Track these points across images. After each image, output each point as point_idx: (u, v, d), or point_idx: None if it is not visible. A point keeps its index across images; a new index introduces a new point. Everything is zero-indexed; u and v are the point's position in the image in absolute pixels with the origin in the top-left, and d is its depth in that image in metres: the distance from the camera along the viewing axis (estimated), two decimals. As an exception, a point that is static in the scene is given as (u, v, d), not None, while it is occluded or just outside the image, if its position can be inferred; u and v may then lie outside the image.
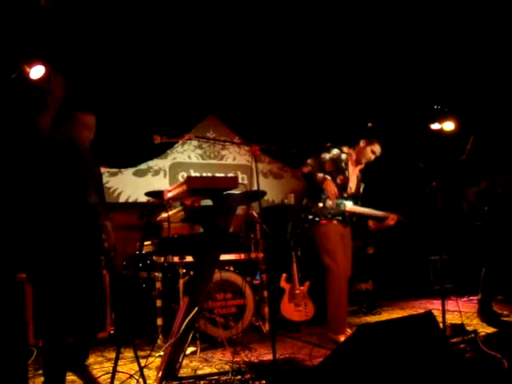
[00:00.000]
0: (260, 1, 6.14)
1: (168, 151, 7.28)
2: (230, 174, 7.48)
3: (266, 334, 5.03)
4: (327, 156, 4.61)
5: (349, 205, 4.64)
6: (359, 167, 4.79)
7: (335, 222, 4.56)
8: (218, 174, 7.47)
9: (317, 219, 4.53)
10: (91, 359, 4.20)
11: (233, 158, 7.82)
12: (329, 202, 4.52)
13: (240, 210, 5.33)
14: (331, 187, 4.37)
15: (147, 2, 5.91)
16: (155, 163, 7.21)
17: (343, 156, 4.68)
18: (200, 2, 6.07)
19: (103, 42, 6.08)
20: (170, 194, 3.63)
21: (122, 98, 6.41)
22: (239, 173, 7.74)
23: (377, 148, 4.69)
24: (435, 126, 6.86)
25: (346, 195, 4.63)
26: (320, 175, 4.43)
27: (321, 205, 4.53)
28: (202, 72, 7.03)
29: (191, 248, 3.86)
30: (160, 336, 4.74)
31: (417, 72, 7.26)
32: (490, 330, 4.59)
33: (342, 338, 4.42)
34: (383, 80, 7.45)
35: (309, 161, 4.54)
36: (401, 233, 6.82)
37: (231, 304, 4.89)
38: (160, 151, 7.14)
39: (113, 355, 3.38)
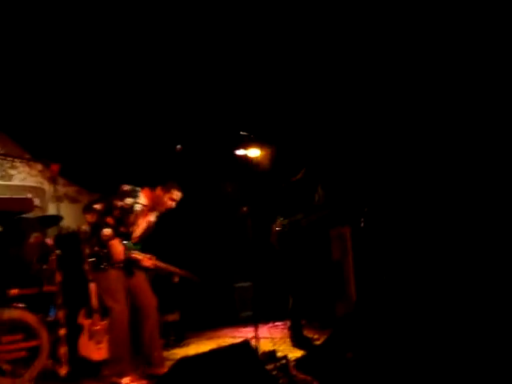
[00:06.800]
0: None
1: None
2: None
3: (63, 378, 4.44)
4: (119, 203, 4.29)
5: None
6: (154, 214, 4.55)
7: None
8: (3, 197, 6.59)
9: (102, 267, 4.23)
10: None
11: (22, 179, 6.97)
12: None
13: (32, 237, 4.73)
14: (118, 249, 4.17)
15: None
16: None
17: (137, 207, 4.37)
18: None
19: None
20: None
21: None
22: (30, 195, 6.91)
23: (176, 194, 4.50)
24: (240, 152, 6.95)
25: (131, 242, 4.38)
26: (107, 232, 4.16)
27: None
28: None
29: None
30: None
31: (221, 101, 7.33)
32: (299, 353, 4.64)
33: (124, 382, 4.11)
34: (189, 105, 7.38)
35: (97, 206, 4.29)
36: (207, 261, 6.76)
37: (21, 347, 4.23)
38: None
39: None
